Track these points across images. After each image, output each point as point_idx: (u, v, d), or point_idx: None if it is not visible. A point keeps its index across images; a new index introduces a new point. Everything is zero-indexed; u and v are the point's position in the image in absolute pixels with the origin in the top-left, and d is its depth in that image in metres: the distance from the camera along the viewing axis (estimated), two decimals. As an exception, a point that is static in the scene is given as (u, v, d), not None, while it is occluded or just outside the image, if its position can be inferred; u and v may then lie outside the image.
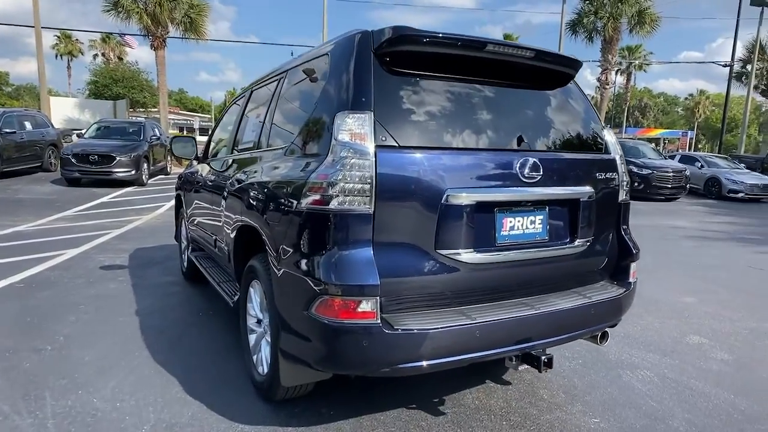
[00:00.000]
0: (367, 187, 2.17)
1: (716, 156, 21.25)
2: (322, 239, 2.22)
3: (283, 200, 2.49)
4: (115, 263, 6.21)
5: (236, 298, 3.39)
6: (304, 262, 2.30)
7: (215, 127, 5.10)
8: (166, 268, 6.04)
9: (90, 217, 9.41)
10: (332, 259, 2.19)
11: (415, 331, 2.19)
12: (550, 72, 2.80)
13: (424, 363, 2.24)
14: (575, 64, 2.87)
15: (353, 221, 2.18)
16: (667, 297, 5.49)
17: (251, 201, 2.96)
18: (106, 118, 20.15)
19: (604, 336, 2.85)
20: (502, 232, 2.49)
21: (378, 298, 2.18)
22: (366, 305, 2.16)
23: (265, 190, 2.77)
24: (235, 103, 4.54)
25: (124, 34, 28.63)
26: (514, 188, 2.50)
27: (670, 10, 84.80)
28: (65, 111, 30.53)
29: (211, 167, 4.52)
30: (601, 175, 2.82)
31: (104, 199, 11.61)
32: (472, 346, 2.31)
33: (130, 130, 15.53)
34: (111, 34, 42.87)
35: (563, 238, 2.70)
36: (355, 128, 2.21)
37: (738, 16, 26.40)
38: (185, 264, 5.50)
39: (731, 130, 54.29)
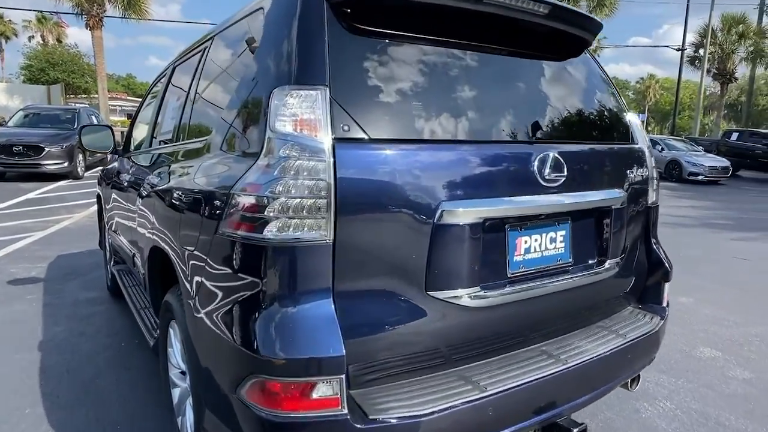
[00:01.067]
0: (322, 203, 1.43)
1: (674, 139, 21.30)
2: (253, 284, 1.48)
3: (198, 219, 1.74)
4: (29, 275, 5.26)
5: (157, 337, 2.61)
6: (226, 315, 1.56)
7: (137, 112, 4.22)
8: (90, 281, 5.13)
9: (9, 217, 8.26)
10: (269, 318, 1.43)
11: (401, 422, 1.46)
12: (566, 36, 2.10)
13: None
14: (595, 27, 2.17)
15: (302, 257, 1.44)
16: (660, 297, 4.96)
17: (161, 216, 2.18)
18: (34, 105, 18.42)
19: (636, 380, 2.20)
20: (515, 258, 1.79)
21: (343, 376, 1.43)
22: (325, 388, 1.41)
23: (177, 202, 2.01)
24: (157, 82, 3.68)
25: (57, 13, 26.60)
26: (533, 196, 1.79)
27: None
28: (-11, 97, 28.19)
29: (129, 163, 3.67)
30: (631, 172, 2.15)
31: (30, 195, 10.39)
32: (483, 429, 1.61)
33: (63, 118, 14.19)
34: (42, 12, 40.01)
35: (590, 260, 2.03)
36: (301, 112, 1.46)
37: (688, 2, 26.68)
38: (110, 276, 4.63)
39: (679, 113, 55.64)
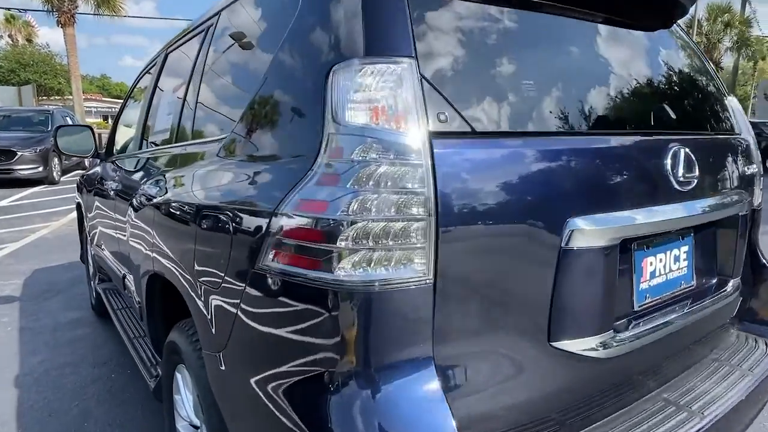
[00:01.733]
0: (419, 227, 1.01)
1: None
2: (317, 346, 1.06)
3: (222, 247, 1.33)
4: (2, 294, 4.75)
5: (158, 376, 2.17)
6: (273, 385, 1.14)
7: (120, 111, 3.74)
8: (72, 299, 4.64)
9: (-20, 228, 7.70)
10: (346, 400, 1.02)
11: None
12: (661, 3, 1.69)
13: None
14: None
15: (392, 306, 1.02)
16: None
17: (165, 236, 1.74)
18: (4, 107, 17.55)
19: None
20: (641, 286, 1.39)
21: None
22: None
23: (187, 220, 1.58)
24: (144, 74, 3.21)
25: (26, 10, 25.62)
26: (669, 204, 1.39)
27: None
28: (-43, 100, 27.06)
29: (114, 168, 3.20)
30: (742, 169, 1.77)
31: (2, 203, 9.78)
32: None
33: (36, 120, 13.51)
34: (9, 9, 38.67)
35: (711, 280, 1.65)
36: (380, 96, 1.04)
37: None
38: (94, 293, 4.15)
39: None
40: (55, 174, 12.28)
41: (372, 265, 1.00)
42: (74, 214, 8.72)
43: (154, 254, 1.84)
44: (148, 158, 2.47)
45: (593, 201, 1.23)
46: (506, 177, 1.13)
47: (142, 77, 3.35)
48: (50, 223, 8.16)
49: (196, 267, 1.45)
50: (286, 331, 1.11)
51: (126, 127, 3.65)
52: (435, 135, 1.06)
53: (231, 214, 1.30)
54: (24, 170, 11.46)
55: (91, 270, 4.27)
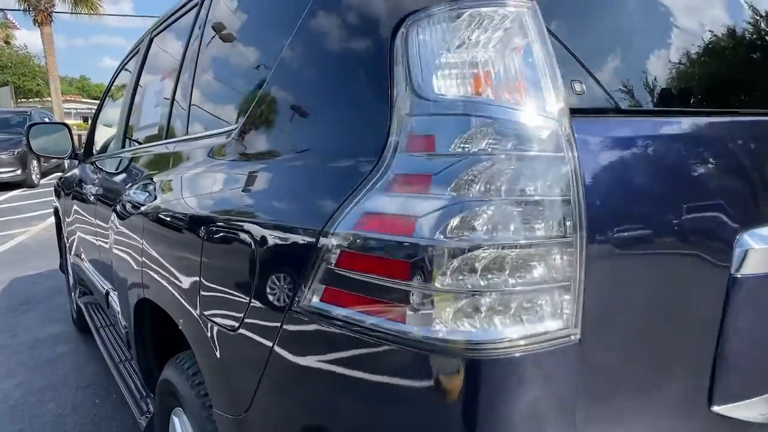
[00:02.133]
0: (562, 254, 0.69)
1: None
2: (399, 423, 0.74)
3: (241, 276, 1.02)
4: (-24, 308, 4.40)
5: (149, 413, 1.86)
6: None
7: (99, 109, 3.40)
8: (51, 312, 4.30)
9: (-46, 235, 7.28)
10: None
11: None
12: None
13: None
14: None
15: (516, 381, 0.67)
16: None
17: (157, 257, 1.44)
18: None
19: None
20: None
21: None
22: None
23: (186, 237, 1.28)
24: (125, 65, 2.88)
25: (2, 10, 24.91)
26: None
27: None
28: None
29: (94, 170, 2.88)
30: None
31: (-21, 208, 9.35)
32: None
33: (14, 122, 13.03)
34: (-17, 9, 37.76)
35: None
36: (488, 54, 0.71)
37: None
38: (75, 307, 3.82)
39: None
40: (34, 177, 11.83)
41: (486, 315, 0.66)
42: (53, 219, 8.36)
43: (145, 275, 1.54)
44: (133, 158, 2.17)
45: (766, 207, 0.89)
46: (666, 175, 0.79)
47: (121, 70, 3.03)
48: (29, 228, 7.77)
49: (203, 299, 1.15)
50: (345, 404, 0.80)
51: (106, 125, 3.33)
52: (576, 114, 0.72)
53: (254, 232, 0.97)
54: (1, 173, 11.01)
55: (71, 281, 3.94)
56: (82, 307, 3.30)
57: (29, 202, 9.93)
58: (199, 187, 1.32)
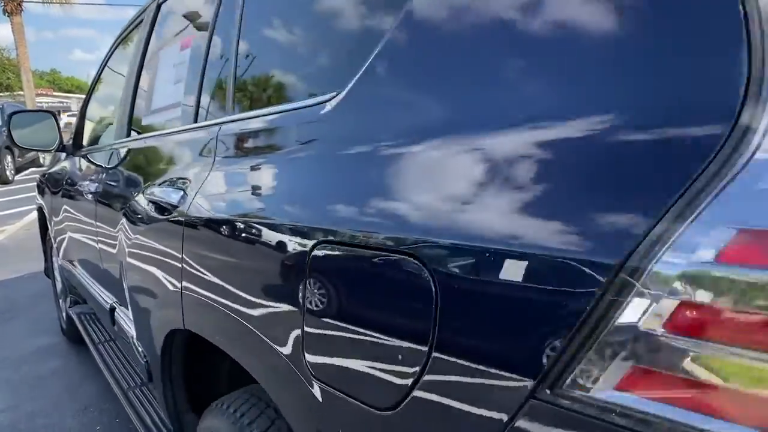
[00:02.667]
0: None
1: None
2: None
3: (403, 337, 0.64)
4: (-49, 318, 3.99)
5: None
6: None
7: (89, 95, 3.00)
8: (37, 320, 3.91)
9: (-76, 236, 6.77)
10: None
11: None
12: None
13: None
14: None
15: None
16: None
17: (206, 278, 1.10)
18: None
19: None
20: None
21: None
22: None
23: (277, 258, 0.90)
24: (121, 42, 2.50)
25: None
26: None
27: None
28: None
29: (89, 164, 2.51)
30: None
31: (-51, 207, 8.79)
32: None
33: (-15, 116, 12.36)
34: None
35: None
36: None
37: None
38: (64, 316, 3.44)
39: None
40: (8, 173, 11.26)
41: None
42: (32, 216, 7.85)
43: (187, 300, 1.20)
44: (147, 148, 1.81)
45: None
46: None
47: (113, 52, 2.65)
48: (6, 227, 7.29)
49: (309, 340, 0.80)
50: None
51: (98, 114, 2.95)
52: None
53: (452, 254, 0.59)
54: (-28, 170, 10.44)
55: (59, 287, 3.56)
56: (75, 317, 2.94)
57: (4, 200, 9.41)
58: (295, 179, 0.96)
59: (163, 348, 1.44)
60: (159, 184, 1.47)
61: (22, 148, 2.94)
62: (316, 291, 0.78)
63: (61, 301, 3.56)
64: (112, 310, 2.08)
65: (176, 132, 1.58)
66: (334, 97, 0.87)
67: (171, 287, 1.29)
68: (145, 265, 1.50)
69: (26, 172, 12.99)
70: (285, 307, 0.86)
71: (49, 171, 3.38)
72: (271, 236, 0.91)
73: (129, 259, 1.64)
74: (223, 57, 1.36)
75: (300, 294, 0.81)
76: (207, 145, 1.31)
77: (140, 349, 1.66)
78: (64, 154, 3.21)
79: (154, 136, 1.77)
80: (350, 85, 0.84)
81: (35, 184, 4.18)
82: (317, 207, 0.85)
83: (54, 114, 2.92)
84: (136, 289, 1.65)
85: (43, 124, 2.88)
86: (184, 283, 1.22)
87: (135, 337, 1.74)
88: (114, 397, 2.50)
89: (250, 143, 1.15)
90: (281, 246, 0.88)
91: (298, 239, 0.83)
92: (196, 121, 1.46)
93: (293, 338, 0.83)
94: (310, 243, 0.80)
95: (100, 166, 2.25)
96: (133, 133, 2.02)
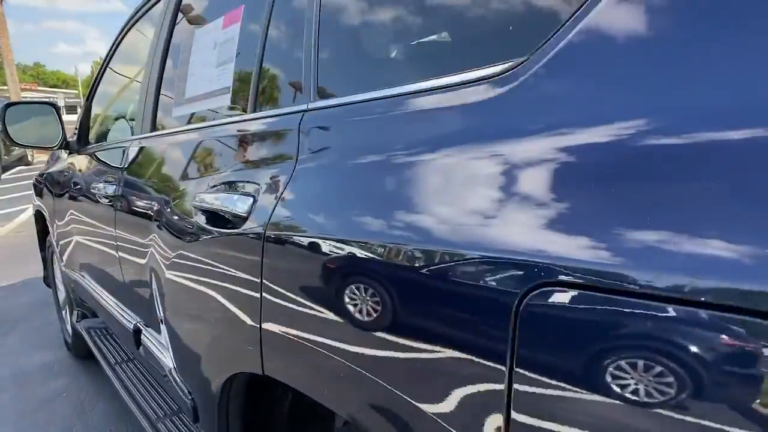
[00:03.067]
0: None
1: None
2: None
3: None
4: (-58, 332, 3.66)
5: None
6: None
7: (94, 86, 2.68)
8: (37, 332, 3.60)
9: None
10: None
11: None
12: None
13: None
14: None
15: None
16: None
17: (300, 312, 0.81)
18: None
19: None
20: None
21: None
22: None
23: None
24: (135, 22, 2.17)
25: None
26: None
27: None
28: None
29: (103, 164, 2.21)
30: None
31: (-66, 208, 8.38)
32: None
33: (-32, 112, 11.89)
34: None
35: None
36: None
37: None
38: (69, 327, 3.14)
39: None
40: (-6, 172, 10.85)
41: None
42: (21, 218, 7.49)
43: (268, 339, 0.92)
44: (181, 144, 1.52)
45: None
46: None
47: (127, 33, 2.34)
48: (-5, 229, 6.93)
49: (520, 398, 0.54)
50: None
51: (107, 107, 2.65)
52: None
53: None
54: (-43, 169, 10.02)
55: (62, 297, 3.26)
56: (84, 333, 2.64)
57: (-9, 200, 9.01)
58: (443, 184, 0.66)
59: (222, 390, 1.16)
60: (211, 189, 1.18)
61: (18, 146, 2.62)
62: (512, 345, 0.52)
63: (64, 312, 3.26)
64: (138, 331, 1.80)
65: (226, 123, 1.29)
66: (521, 67, 0.60)
67: (242, 321, 1.01)
68: (194, 287, 1.21)
69: (13, 170, 12.53)
70: (439, 356, 0.60)
71: (50, 170, 3.07)
72: (419, 266, 0.64)
73: (169, 277, 1.36)
74: (296, 22, 1.07)
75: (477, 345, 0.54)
76: (283, 138, 1.03)
77: (183, 386, 1.38)
78: (64, 152, 2.90)
79: (193, 129, 1.47)
80: (561, 45, 0.57)
81: (30, 183, 3.86)
82: (488, 224, 0.58)
83: (55, 106, 2.61)
84: (178, 315, 1.37)
85: (45, 119, 2.57)
86: (265, 318, 0.94)
87: (174, 369, 1.46)
88: (133, 422, 2.22)
89: (362, 135, 0.87)
90: (431, 278, 0.61)
91: (461, 270, 0.56)
92: (256, 109, 1.18)
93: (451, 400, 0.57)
94: (507, 283, 0.53)
95: (118, 165, 1.95)
96: (161, 126, 1.72)
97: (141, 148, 1.80)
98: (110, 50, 2.47)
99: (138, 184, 1.70)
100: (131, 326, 1.85)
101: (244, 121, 1.19)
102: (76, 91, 51.96)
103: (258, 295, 0.94)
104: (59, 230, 2.81)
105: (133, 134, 1.90)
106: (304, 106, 0.99)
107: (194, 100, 1.49)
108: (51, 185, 2.95)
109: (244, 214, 1.00)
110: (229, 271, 1.05)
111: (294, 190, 0.92)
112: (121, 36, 2.36)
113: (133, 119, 2.08)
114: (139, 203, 1.63)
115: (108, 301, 2.13)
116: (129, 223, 1.72)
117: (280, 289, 0.90)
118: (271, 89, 1.15)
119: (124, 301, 1.97)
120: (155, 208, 1.48)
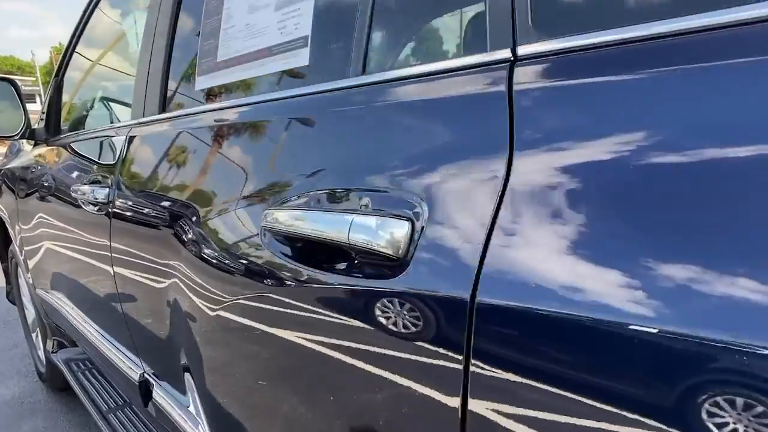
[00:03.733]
0: None
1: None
2: None
3: None
4: None
5: None
6: None
7: (63, 66, 2.12)
8: (6, 360, 3.05)
9: None
10: None
11: None
12: None
13: None
14: None
15: None
16: None
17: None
18: None
19: None
20: None
21: None
22: None
23: None
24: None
25: None
26: None
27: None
28: None
29: (85, 158, 1.70)
30: None
31: None
32: None
33: None
34: None
35: None
36: None
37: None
38: (41, 355, 2.62)
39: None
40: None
41: None
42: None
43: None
44: (226, 127, 1.02)
45: None
46: None
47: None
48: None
49: None
50: None
51: (83, 88, 2.12)
52: None
53: None
54: None
55: (30, 317, 2.73)
56: (64, 368, 2.13)
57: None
58: None
59: None
60: (302, 204, 0.72)
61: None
62: None
63: (34, 336, 2.73)
64: (144, 383, 1.34)
65: (322, 91, 0.81)
66: None
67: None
68: (272, 346, 0.76)
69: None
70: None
71: (10, 165, 2.52)
72: None
73: (213, 321, 0.89)
74: None
75: None
76: (470, 110, 0.58)
77: None
78: (27, 143, 2.38)
79: (242, 105, 0.99)
80: None
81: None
82: None
83: (14, 83, 2.07)
84: (229, 377, 0.91)
85: (2, 102, 2.04)
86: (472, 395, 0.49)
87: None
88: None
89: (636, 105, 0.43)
90: None
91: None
92: (365, 68, 0.72)
93: None
94: None
95: (110, 161, 1.46)
96: (177, 105, 1.23)
97: (145, 137, 1.31)
98: (79, 23, 1.94)
99: (146, 187, 1.21)
100: (136, 376, 1.38)
101: (361, 86, 0.72)
102: (33, 78, 49.40)
103: (461, 375, 0.50)
104: (26, 238, 2.28)
105: (131, 118, 1.40)
106: (506, 53, 0.54)
107: (239, 62, 1.00)
108: (12, 183, 2.40)
109: (395, 255, 0.56)
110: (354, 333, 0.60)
111: (519, 212, 0.47)
112: (89, 6, 1.84)
113: (124, 104, 1.59)
114: (151, 213, 1.15)
115: (97, 336, 1.65)
116: (133, 237, 1.24)
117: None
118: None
119: (120, 338, 1.49)
120: (181, 223, 1.01)
